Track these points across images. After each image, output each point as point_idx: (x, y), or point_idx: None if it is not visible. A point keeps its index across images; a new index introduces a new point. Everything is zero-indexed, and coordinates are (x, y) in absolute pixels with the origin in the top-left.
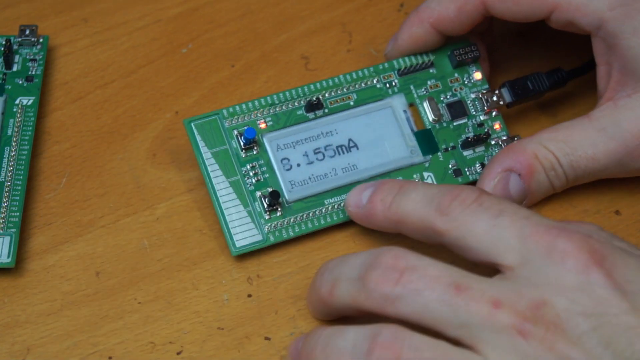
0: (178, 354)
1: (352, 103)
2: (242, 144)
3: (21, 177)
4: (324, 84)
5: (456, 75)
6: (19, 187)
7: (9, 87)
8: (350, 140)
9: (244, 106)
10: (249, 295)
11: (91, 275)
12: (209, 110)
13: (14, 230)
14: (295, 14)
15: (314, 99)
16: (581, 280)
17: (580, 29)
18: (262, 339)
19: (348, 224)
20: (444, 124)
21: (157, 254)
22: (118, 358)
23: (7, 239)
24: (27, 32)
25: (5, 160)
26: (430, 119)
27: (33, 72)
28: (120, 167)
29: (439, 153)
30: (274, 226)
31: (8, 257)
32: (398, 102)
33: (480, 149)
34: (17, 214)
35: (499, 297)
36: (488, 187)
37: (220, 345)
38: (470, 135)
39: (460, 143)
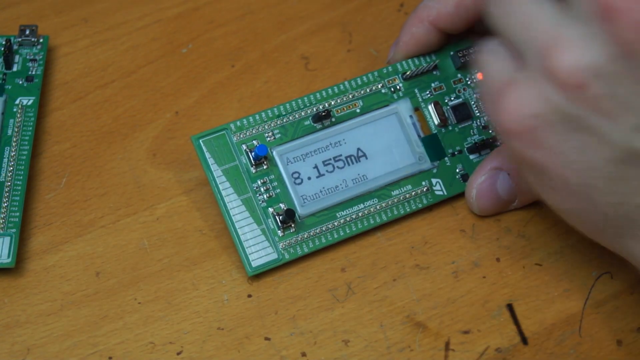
0: (178, 354)
1: (358, 110)
2: (252, 159)
3: (21, 177)
4: (329, 91)
5: (459, 76)
6: (19, 187)
7: (9, 87)
8: (359, 149)
9: (250, 119)
10: (249, 296)
11: (91, 275)
12: (209, 110)
13: (14, 230)
14: (295, 14)
15: (322, 110)
16: None
17: None
18: (262, 339)
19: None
20: (450, 128)
21: (157, 254)
22: (118, 358)
23: (7, 239)
24: (27, 32)
25: (5, 160)
26: (436, 123)
27: (33, 72)
28: (120, 167)
29: (446, 158)
30: (288, 243)
31: (8, 257)
32: (404, 107)
33: (486, 152)
34: (17, 214)
35: None
36: (475, 183)
37: (220, 345)
38: (476, 137)
39: (466, 147)
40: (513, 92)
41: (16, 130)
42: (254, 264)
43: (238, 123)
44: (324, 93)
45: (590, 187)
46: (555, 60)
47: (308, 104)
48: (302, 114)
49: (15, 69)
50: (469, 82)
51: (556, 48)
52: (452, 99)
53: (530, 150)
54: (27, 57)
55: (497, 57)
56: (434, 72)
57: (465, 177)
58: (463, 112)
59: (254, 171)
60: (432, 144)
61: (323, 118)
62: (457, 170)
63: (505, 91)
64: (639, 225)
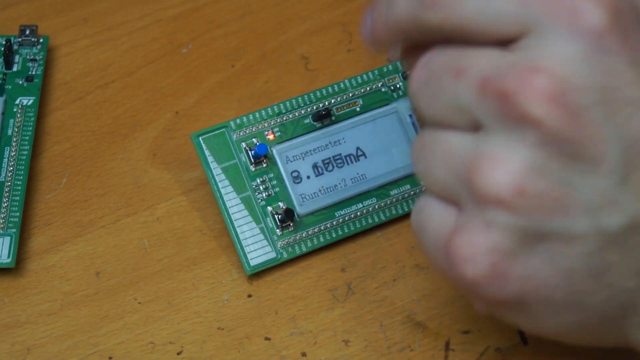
0: (178, 354)
1: (358, 109)
2: (251, 157)
3: (21, 177)
4: (330, 90)
5: None
6: (19, 187)
7: (9, 87)
8: (358, 148)
9: (250, 117)
10: (249, 296)
11: (91, 275)
12: (209, 110)
13: (14, 230)
14: (295, 14)
15: (322, 108)
16: (592, 45)
17: None
18: (262, 339)
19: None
20: None
21: (157, 254)
22: (118, 358)
23: (7, 239)
24: (27, 32)
25: (5, 160)
26: None
27: (33, 72)
28: (121, 167)
29: None
30: (287, 242)
31: (8, 257)
32: (403, 106)
33: None
34: (17, 214)
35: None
36: None
37: (220, 345)
38: None
39: None
40: (459, 238)
41: (16, 130)
42: (253, 262)
43: (238, 121)
44: (324, 91)
45: (576, 294)
46: (482, 187)
47: (308, 102)
48: (302, 112)
49: (15, 69)
50: None
51: (478, 174)
52: None
53: (503, 289)
54: (27, 57)
55: (431, 211)
56: None
57: None
58: None
59: (253, 169)
60: None
61: (323, 117)
62: None
63: (452, 242)
64: (638, 310)
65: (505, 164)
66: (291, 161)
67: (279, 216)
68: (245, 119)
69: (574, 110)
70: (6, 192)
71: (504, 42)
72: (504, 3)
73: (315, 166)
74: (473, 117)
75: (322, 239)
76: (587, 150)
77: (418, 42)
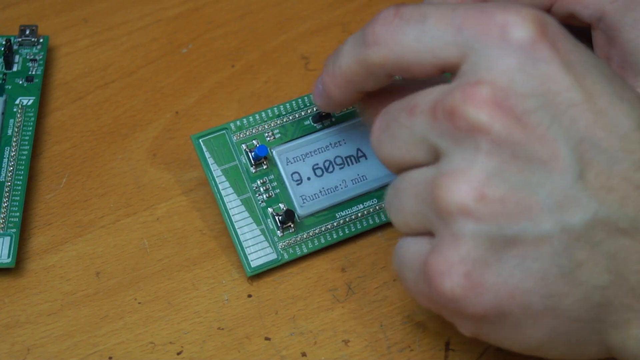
0: (178, 354)
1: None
2: (252, 159)
3: (21, 177)
4: None
5: None
6: (19, 187)
7: (9, 87)
8: (358, 150)
9: (250, 118)
10: (249, 296)
11: (91, 275)
12: (209, 110)
13: (14, 230)
14: (295, 14)
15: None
16: (525, 56)
17: (581, 20)
18: (262, 339)
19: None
20: None
21: (157, 254)
22: (118, 358)
23: (7, 239)
24: (27, 32)
25: (5, 160)
26: None
27: (33, 72)
28: (121, 167)
29: None
30: (288, 243)
31: (8, 257)
32: None
33: None
34: (17, 214)
35: (434, 98)
36: None
37: (220, 345)
38: None
39: None
40: (433, 257)
41: (16, 130)
42: (253, 264)
43: (238, 123)
44: None
45: (551, 297)
46: (444, 200)
47: (308, 104)
48: (302, 113)
49: (15, 69)
50: None
51: (440, 191)
52: None
53: (481, 298)
54: (27, 57)
55: (407, 248)
56: None
57: None
58: None
59: (253, 171)
60: None
61: (323, 118)
62: None
63: (427, 263)
64: (612, 309)
65: (464, 175)
66: (291, 162)
67: (280, 217)
68: (245, 121)
69: (518, 114)
70: (6, 192)
71: (447, 72)
72: (439, 31)
73: (315, 167)
74: (431, 146)
75: (322, 240)
76: (539, 152)
77: (367, 91)
